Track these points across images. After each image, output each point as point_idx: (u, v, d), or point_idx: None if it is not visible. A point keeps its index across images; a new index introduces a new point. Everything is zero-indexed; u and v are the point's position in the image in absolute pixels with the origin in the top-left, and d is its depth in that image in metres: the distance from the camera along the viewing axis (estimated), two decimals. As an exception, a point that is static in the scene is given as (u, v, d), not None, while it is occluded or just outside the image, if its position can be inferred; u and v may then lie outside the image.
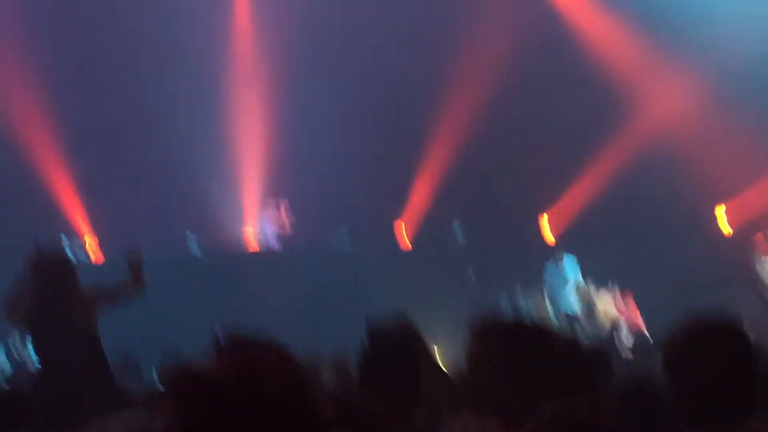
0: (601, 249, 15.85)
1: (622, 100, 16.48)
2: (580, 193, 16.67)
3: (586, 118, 16.33)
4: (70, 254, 8.98)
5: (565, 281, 14.78)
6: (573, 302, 14.61)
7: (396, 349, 3.81)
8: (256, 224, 16.10)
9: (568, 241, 16.14)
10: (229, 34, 17.03)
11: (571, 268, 14.88)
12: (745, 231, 15.99)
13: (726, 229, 16.76)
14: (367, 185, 16.22)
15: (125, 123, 16.33)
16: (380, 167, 16.33)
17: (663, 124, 16.15)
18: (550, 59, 16.47)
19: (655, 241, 15.63)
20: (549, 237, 16.78)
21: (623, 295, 14.53)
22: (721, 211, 16.84)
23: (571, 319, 14.54)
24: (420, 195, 16.75)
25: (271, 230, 15.78)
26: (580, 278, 14.78)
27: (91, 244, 15.83)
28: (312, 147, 16.21)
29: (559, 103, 16.47)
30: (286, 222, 15.74)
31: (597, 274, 15.26)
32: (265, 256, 15.72)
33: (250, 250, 16.03)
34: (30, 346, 11.60)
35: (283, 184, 16.28)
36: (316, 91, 16.32)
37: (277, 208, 15.83)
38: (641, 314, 14.25)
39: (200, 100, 16.40)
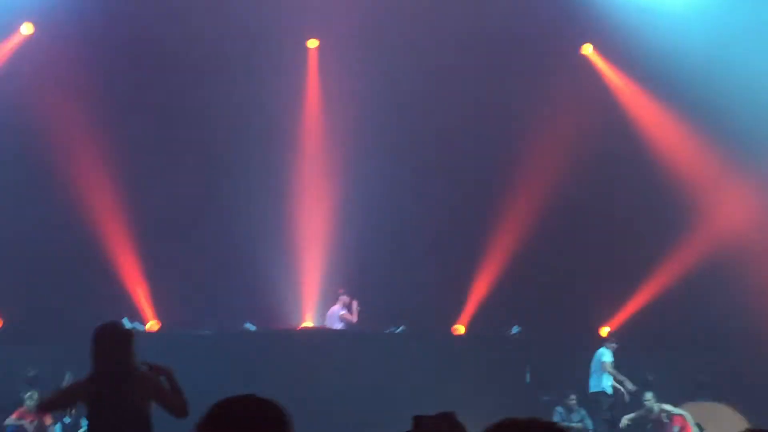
0: (656, 360, 15.68)
1: (689, 207, 16.41)
2: (642, 302, 16.54)
3: (652, 224, 16.28)
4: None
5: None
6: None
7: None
8: (328, 315, 16.17)
9: (626, 350, 16.00)
10: (299, 116, 17.38)
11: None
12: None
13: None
14: (428, 284, 16.27)
15: (193, 208, 16.67)
16: (443, 268, 16.37)
17: (729, 233, 16.03)
18: (616, 165, 16.50)
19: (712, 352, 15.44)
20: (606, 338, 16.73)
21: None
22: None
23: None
24: (478, 297, 16.72)
25: (340, 322, 15.87)
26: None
27: (152, 327, 16.04)
28: (375, 241, 16.34)
29: (623, 207, 16.45)
30: (356, 316, 15.87)
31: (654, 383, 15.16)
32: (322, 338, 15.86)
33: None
34: (84, 422, 11.86)
35: (344, 277, 16.42)
36: (382, 179, 16.52)
37: (350, 301, 15.96)
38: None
39: (268, 185, 16.73)
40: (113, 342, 6.92)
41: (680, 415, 14.76)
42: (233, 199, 16.63)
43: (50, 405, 7.65)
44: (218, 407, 2.71)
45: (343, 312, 15.85)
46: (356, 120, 16.60)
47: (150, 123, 16.54)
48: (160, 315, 16.40)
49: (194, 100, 16.38)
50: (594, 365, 15.33)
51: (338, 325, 15.84)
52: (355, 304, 15.89)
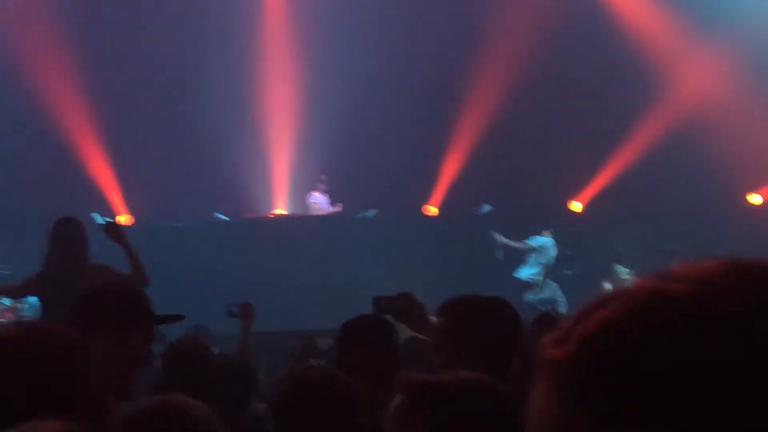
0: (627, 229, 15.79)
1: (653, 79, 16.30)
2: (609, 174, 16.55)
3: (616, 97, 16.18)
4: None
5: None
6: None
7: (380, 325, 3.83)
8: (306, 199, 16.06)
9: (596, 221, 16.11)
10: (260, 8, 17.04)
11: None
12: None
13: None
14: (396, 169, 16.20)
15: (160, 95, 16.42)
16: (410, 151, 16.27)
17: (694, 104, 15.97)
18: (581, 38, 16.29)
19: (681, 221, 15.53)
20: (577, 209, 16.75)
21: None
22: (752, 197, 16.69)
23: None
24: (448, 178, 16.68)
25: (320, 205, 15.81)
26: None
27: (125, 221, 15.96)
28: (342, 127, 16.18)
29: (589, 83, 16.31)
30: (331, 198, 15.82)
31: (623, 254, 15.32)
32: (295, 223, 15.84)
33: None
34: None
35: (313, 164, 16.32)
36: (348, 72, 16.28)
37: (324, 185, 15.84)
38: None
39: (233, 76, 16.47)
40: (66, 237, 6.87)
41: None
42: (200, 84, 16.38)
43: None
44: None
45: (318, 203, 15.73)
46: (327, 8, 16.35)
47: (117, 11, 16.22)
48: (131, 208, 16.33)
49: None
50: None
51: (320, 204, 15.76)
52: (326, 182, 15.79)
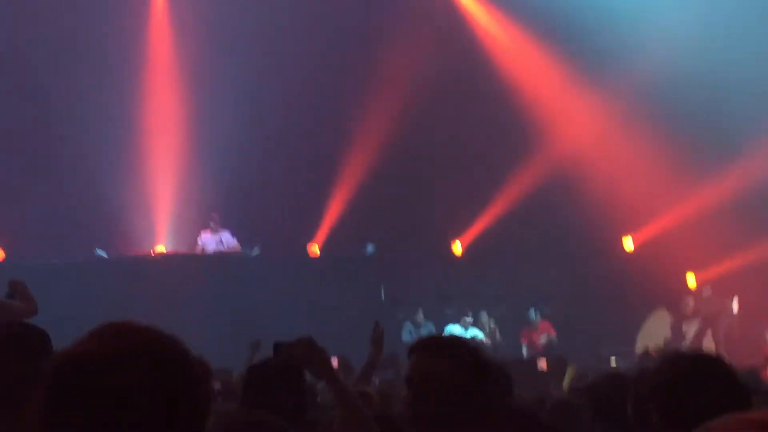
0: (506, 270, 16.00)
1: (536, 124, 16.61)
2: (492, 215, 16.76)
3: (499, 141, 16.41)
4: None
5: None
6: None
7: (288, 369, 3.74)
8: (198, 238, 15.59)
9: (477, 262, 16.27)
10: (144, 38, 16.70)
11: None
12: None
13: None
14: (281, 205, 16.07)
15: (33, 127, 15.92)
16: (295, 188, 16.17)
17: (575, 148, 16.33)
18: (466, 81, 16.51)
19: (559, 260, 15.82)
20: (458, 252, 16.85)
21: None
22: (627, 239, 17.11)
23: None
24: (333, 218, 16.63)
25: (210, 244, 15.46)
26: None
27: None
28: (227, 164, 15.95)
29: (473, 126, 16.52)
30: (223, 237, 15.49)
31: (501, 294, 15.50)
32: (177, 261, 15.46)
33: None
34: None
35: (197, 200, 16.06)
36: (233, 108, 16.05)
37: (215, 224, 15.48)
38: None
39: (115, 111, 16.05)
40: None
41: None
42: (77, 119, 15.94)
43: None
44: None
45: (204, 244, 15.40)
46: (210, 40, 16.19)
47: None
48: (3, 244, 15.75)
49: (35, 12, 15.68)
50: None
51: (209, 244, 15.44)
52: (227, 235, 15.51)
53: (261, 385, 3.79)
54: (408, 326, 15.13)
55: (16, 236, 15.33)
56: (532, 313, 15.27)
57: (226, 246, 15.35)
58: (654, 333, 14.83)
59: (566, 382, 6.96)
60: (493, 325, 15.47)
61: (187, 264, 15.13)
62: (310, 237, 16.51)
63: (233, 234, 15.49)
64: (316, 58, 16.35)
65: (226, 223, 15.59)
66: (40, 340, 3.15)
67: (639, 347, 14.33)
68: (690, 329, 15.16)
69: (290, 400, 3.76)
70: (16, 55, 15.66)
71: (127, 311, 10.14)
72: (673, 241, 16.04)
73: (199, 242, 15.41)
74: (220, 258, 15.36)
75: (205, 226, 15.50)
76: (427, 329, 15.17)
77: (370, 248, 16.02)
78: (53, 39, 15.71)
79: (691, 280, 16.31)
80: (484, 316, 15.35)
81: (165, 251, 15.93)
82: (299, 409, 3.71)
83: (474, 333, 14.88)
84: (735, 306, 15.38)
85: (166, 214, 16.33)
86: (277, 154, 16.22)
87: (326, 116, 16.48)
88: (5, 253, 15.54)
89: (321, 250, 16.42)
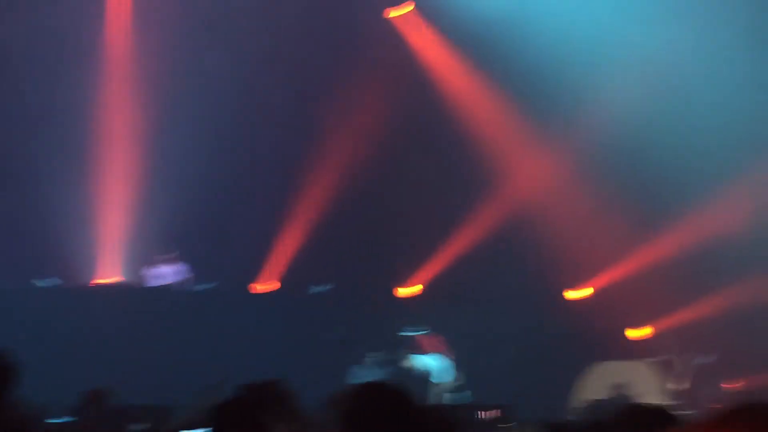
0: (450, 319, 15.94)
1: (489, 171, 16.67)
2: (442, 261, 16.76)
3: (455, 186, 16.45)
4: None
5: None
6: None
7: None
8: (150, 271, 15.16)
9: (421, 309, 16.18)
10: (101, 39, 16.31)
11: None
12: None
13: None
14: (228, 243, 15.89)
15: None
16: (247, 223, 16.01)
17: (528, 197, 16.42)
18: (420, 127, 16.55)
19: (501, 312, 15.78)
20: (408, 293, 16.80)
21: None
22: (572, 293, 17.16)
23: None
24: (282, 258, 16.50)
25: (162, 277, 15.08)
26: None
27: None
28: (175, 200, 15.72)
29: (426, 172, 16.53)
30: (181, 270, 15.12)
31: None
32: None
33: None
34: None
35: (143, 230, 15.81)
36: (185, 136, 15.73)
37: (172, 257, 15.08)
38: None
39: (66, 132, 15.66)
40: None
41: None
42: (28, 137, 15.59)
43: None
44: None
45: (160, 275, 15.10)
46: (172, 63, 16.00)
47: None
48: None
49: None
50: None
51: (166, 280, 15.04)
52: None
53: (230, 424, 3.70)
54: (354, 369, 14.90)
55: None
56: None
57: (171, 279, 15.05)
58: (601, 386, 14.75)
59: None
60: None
61: (127, 295, 14.82)
62: (258, 274, 16.33)
63: (180, 268, 15.24)
64: (276, 93, 16.30)
65: (173, 255, 15.36)
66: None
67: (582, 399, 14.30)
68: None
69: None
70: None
71: (60, 344, 9.90)
72: (619, 294, 16.15)
73: (155, 272, 15.10)
74: (166, 291, 15.07)
75: (162, 258, 15.16)
76: (372, 374, 14.93)
77: (320, 287, 15.88)
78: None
79: (634, 333, 16.38)
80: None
81: (110, 281, 15.61)
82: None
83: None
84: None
85: (114, 243, 16.00)
86: (231, 188, 16.06)
87: (283, 153, 16.36)
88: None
89: (274, 287, 16.24)
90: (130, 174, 15.80)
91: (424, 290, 16.68)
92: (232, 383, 4.73)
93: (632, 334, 16.39)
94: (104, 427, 6.88)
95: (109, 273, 15.67)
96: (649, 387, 14.86)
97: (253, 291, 15.98)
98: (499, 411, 11.82)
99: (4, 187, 15.27)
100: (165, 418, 8.09)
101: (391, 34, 17.03)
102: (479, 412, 11.68)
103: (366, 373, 14.73)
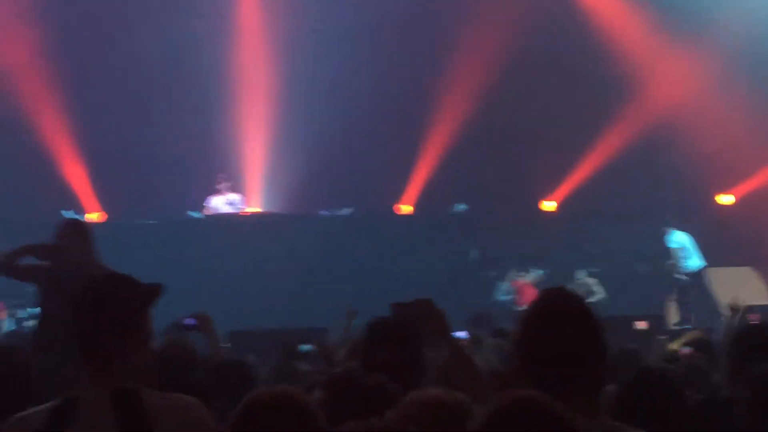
0: (601, 229, 15.81)
1: (626, 81, 16.27)
2: (584, 174, 16.56)
3: (590, 100, 16.07)
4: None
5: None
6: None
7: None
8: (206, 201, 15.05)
9: (570, 221, 16.10)
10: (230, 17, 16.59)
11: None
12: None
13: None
14: (369, 168, 16.05)
15: (133, 93, 16.00)
16: (383, 150, 16.10)
17: (667, 106, 16.01)
18: (555, 40, 16.16)
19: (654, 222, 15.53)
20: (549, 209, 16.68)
21: None
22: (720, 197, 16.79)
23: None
24: (422, 178, 16.58)
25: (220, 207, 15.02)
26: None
27: (97, 218, 15.68)
28: (317, 122, 15.98)
29: (563, 85, 16.20)
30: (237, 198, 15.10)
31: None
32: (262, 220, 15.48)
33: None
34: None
35: (285, 162, 16.13)
36: (317, 70, 15.96)
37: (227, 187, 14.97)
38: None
39: (210, 79, 16.07)
40: (80, 236, 6.90)
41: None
42: (172, 88, 16.08)
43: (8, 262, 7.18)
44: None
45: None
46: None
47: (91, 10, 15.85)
48: (103, 205, 16.04)
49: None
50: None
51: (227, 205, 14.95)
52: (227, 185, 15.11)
53: (382, 343, 3.82)
54: (500, 285, 15.00)
55: (116, 198, 15.60)
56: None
57: (234, 209, 15.01)
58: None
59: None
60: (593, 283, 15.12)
61: (276, 224, 15.17)
62: (399, 197, 16.49)
63: (242, 196, 15.26)
64: (404, 20, 16.27)
65: (317, 184, 15.66)
66: (148, 294, 3.17)
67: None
68: None
69: (409, 358, 3.79)
70: (116, 29, 15.85)
71: (213, 271, 10.23)
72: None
73: (207, 205, 14.98)
74: (309, 217, 15.40)
75: (213, 190, 15.01)
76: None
77: (460, 206, 15.95)
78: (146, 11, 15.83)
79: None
80: (581, 275, 15.07)
81: (259, 210, 16.02)
82: (418, 367, 3.73)
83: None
84: None
85: (259, 175, 16.41)
86: (366, 115, 16.14)
87: (415, 76, 16.35)
88: (107, 214, 15.83)
89: (411, 210, 16.41)
90: (267, 112, 16.09)
91: (564, 205, 16.55)
92: (381, 302, 4.83)
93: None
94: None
95: (253, 204, 16.08)
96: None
97: (395, 212, 16.17)
98: (648, 323, 11.70)
99: (162, 135, 15.64)
100: (324, 338, 8.40)
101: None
102: (634, 322, 11.59)
103: (511, 289, 14.82)
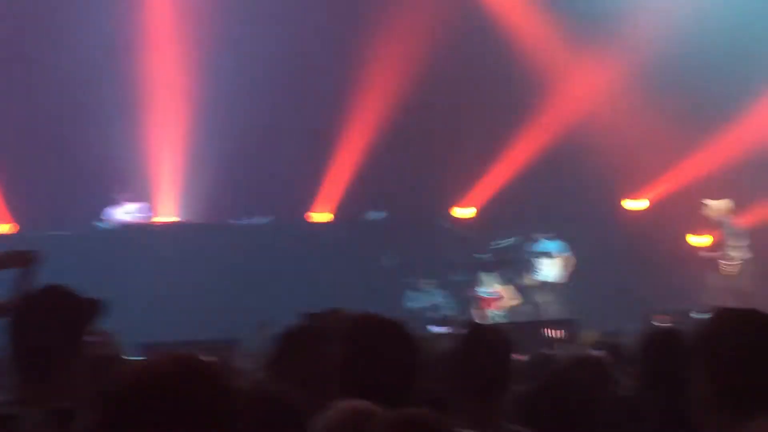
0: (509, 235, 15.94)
1: (538, 88, 16.50)
2: (493, 181, 16.74)
3: (503, 106, 16.25)
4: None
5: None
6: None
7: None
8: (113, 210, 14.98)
9: (480, 228, 16.21)
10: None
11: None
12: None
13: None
14: (286, 175, 15.99)
15: (46, 103, 15.75)
16: (299, 158, 16.06)
17: (577, 112, 16.25)
18: (468, 47, 16.37)
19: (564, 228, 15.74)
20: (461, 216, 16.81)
21: None
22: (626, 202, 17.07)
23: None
24: (340, 186, 16.56)
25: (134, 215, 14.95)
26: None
27: (8, 230, 15.35)
28: (229, 132, 15.79)
29: (475, 91, 16.37)
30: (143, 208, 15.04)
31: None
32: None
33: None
34: None
35: (201, 170, 15.97)
36: (230, 76, 15.72)
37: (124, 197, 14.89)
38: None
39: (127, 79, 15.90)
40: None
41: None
42: (84, 95, 15.80)
43: None
44: None
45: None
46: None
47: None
48: (14, 216, 15.70)
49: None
50: None
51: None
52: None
53: (295, 352, 3.81)
54: (408, 294, 14.95)
55: (27, 209, 15.25)
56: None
57: (139, 218, 14.91)
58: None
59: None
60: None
61: (191, 233, 15.04)
62: (312, 205, 16.44)
63: (144, 205, 15.15)
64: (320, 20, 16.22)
65: (230, 190, 15.53)
66: (88, 309, 3.11)
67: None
68: None
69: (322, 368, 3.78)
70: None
71: (126, 281, 10.08)
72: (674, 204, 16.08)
73: (105, 217, 14.91)
74: (229, 227, 15.29)
75: (119, 199, 14.95)
76: (431, 297, 14.97)
77: (377, 214, 15.97)
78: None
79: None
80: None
81: (167, 220, 15.81)
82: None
83: None
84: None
85: (179, 182, 16.21)
86: (279, 119, 16.06)
87: (331, 86, 16.30)
88: (18, 225, 15.48)
89: (331, 217, 16.37)
90: (180, 120, 15.90)
91: (478, 212, 16.68)
92: (295, 312, 4.83)
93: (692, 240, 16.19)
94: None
95: (166, 213, 15.89)
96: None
97: (308, 220, 16.11)
98: (562, 331, 11.76)
99: (69, 133, 15.35)
100: (230, 352, 8.28)
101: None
102: (545, 330, 11.68)
103: (421, 297, 14.84)
